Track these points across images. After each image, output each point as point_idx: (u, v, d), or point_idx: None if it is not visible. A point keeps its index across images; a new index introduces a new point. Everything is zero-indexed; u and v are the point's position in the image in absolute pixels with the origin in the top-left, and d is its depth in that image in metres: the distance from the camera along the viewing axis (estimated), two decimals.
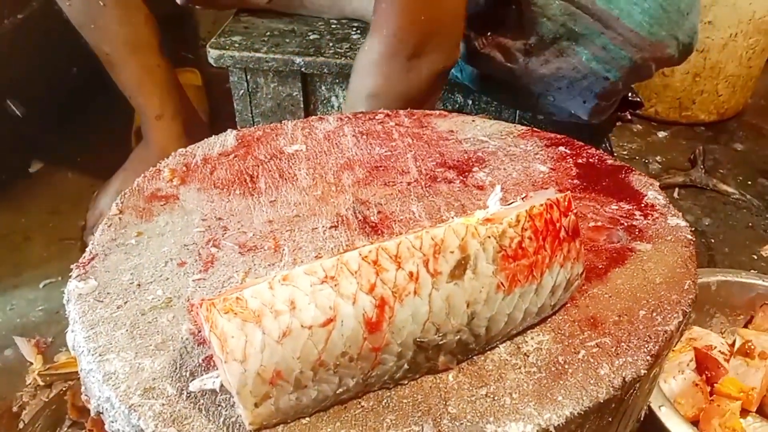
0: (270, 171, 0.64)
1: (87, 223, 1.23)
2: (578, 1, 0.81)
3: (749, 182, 1.45)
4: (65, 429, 0.90)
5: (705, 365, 0.85)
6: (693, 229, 1.33)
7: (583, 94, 0.89)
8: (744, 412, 0.82)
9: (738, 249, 1.25)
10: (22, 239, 1.24)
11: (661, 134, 1.63)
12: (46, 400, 0.93)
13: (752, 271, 1.06)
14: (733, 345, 0.86)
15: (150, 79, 1.18)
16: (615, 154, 1.50)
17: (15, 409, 0.93)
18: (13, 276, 1.15)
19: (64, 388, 0.94)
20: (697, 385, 0.80)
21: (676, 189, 1.42)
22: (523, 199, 0.48)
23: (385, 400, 0.42)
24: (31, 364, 0.98)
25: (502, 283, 0.43)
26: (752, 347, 0.82)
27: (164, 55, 1.19)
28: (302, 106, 1.08)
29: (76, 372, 0.95)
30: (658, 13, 0.81)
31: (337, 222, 0.57)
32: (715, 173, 1.46)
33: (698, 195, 1.40)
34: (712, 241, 1.27)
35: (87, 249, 0.54)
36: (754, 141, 1.60)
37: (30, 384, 0.96)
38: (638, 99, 1.12)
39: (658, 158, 1.53)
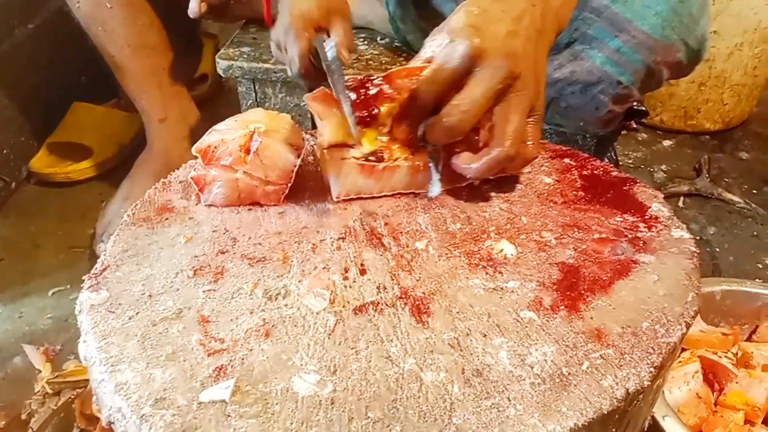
0: None
1: (96, 231, 1.24)
2: (592, 5, 0.82)
3: (754, 191, 1.45)
4: None
5: (712, 372, 0.85)
6: (698, 237, 1.32)
7: (596, 100, 0.89)
8: (749, 423, 0.83)
9: (743, 258, 1.26)
10: (31, 247, 1.25)
11: (667, 143, 1.63)
12: (55, 407, 0.94)
13: (757, 280, 1.06)
14: (736, 355, 0.87)
15: (154, 82, 1.19)
16: (620, 163, 1.50)
17: (24, 416, 0.94)
18: (22, 284, 1.16)
19: (72, 396, 0.95)
20: (699, 397, 0.80)
21: (681, 198, 1.42)
22: None
23: (392, 412, 0.42)
24: (40, 371, 0.99)
25: None
26: (752, 359, 0.82)
27: (169, 58, 1.19)
28: (309, 115, 1.09)
29: (85, 380, 0.96)
30: (671, 16, 0.81)
31: (345, 234, 0.58)
32: (721, 182, 1.47)
33: (703, 204, 1.41)
34: (717, 250, 1.27)
35: (99, 260, 0.55)
36: (760, 150, 1.61)
37: (38, 392, 0.96)
38: (643, 108, 1.12)
39: (663, 167, 1.53)
